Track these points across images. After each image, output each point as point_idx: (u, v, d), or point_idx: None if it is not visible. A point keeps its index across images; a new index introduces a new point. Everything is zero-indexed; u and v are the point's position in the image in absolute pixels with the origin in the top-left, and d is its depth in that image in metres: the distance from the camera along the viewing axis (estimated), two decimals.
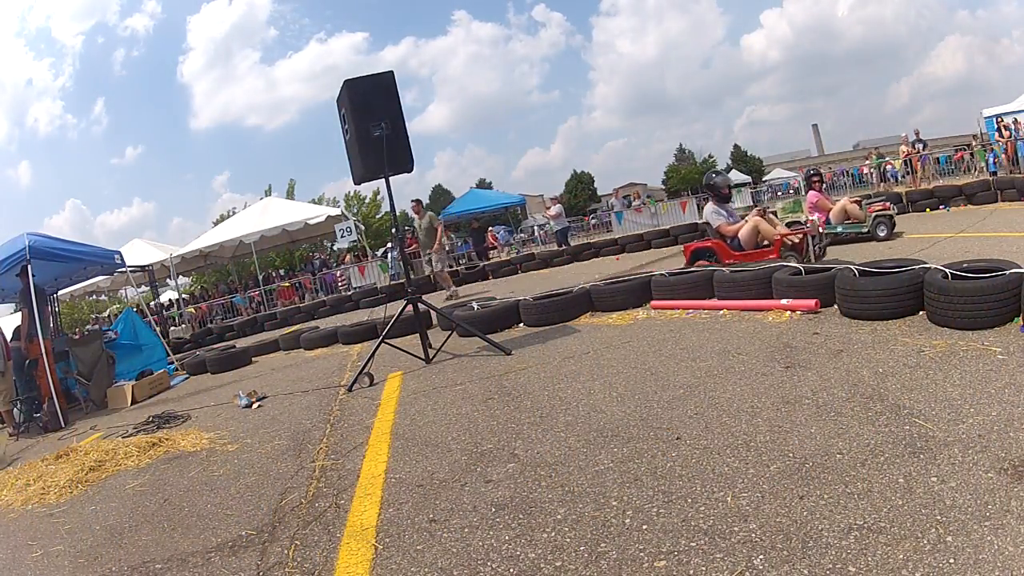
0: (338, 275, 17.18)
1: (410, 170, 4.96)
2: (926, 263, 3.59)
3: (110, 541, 2.65)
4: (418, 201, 12.02)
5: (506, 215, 25.49)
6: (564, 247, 15.00)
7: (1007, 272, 3.10)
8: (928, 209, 10.38)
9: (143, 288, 15.33)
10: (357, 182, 5.12)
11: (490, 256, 17.79)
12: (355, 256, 18.38)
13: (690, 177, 47.64)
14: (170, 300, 20.49)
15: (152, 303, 17.38)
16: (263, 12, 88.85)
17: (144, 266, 14.08)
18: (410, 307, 5.08)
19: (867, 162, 21.58)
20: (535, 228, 21.34)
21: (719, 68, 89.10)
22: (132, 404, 6.51)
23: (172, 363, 8.45)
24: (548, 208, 17.84)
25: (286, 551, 2.18)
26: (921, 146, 16.01)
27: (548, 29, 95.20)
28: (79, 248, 7.99)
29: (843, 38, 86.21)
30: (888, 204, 8.00)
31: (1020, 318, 2.97)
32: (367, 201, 33.00)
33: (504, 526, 2.03)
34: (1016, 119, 15.35)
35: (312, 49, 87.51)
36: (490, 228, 21.04)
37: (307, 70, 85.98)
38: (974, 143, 15.78)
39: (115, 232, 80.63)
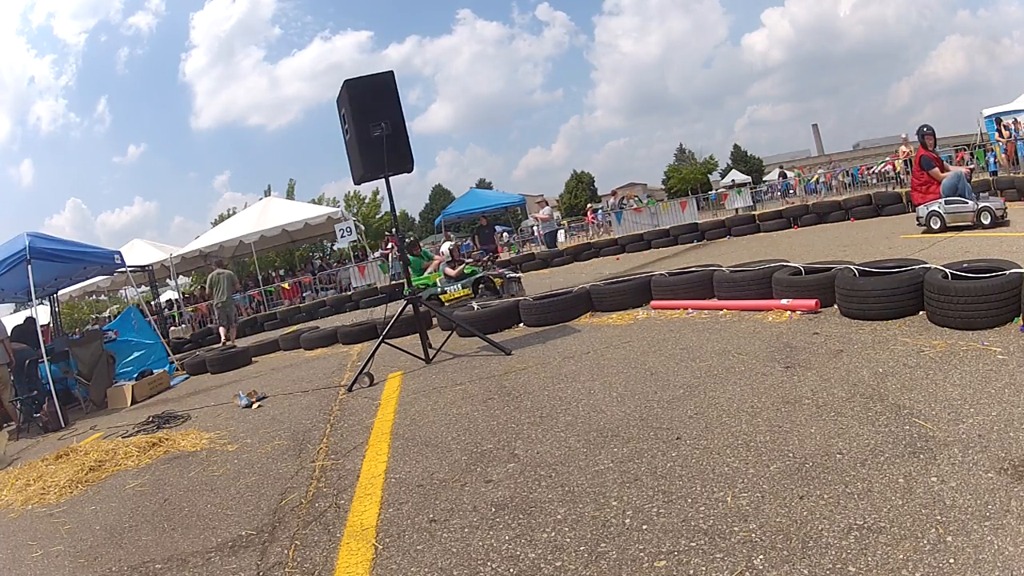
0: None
1: (410, 170, 4.97)
2: (926, 263, 3.59)
3: (110, 541, 2.65)
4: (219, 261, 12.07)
5: (506, 215, 25.52)
6: (551, 249, 15.20)
7: (1007, 272, 3.10)
8: None
9: (143, 288, 15.31)
10: (357, 182, 5.13)
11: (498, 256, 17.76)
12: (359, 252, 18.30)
13: (691, 177, 47.57)
14: (170, 300, 20.48)
15: (152, 303, 17.35)
16: (267, 10, 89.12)
17: (144, 266, 14.06)
18: (410, 307, 5.09)
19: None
20: (534, 229, 21.38)
21: (720, 68, 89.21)
22: (132, 404, 6.51)
23: (172, 363, 8.45)
24: (539, 211, 18.07)
25: (286, 551, 2.18)
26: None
27: (551, 28, 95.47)
28: (79, 248, 7.99)
29: (844, 38, 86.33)
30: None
31: (1020, 318, 2.97)
32: (367, 201, 33.03)
33: (504, 526, 2.03)
34: (1016, 119, 15.33)
35: (316, 47, 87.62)
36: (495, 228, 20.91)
37: (310, 69, 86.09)
38: (957, 154, 15.80)
39: (116, 232, 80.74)
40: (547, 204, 18.20)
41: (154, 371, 7.57)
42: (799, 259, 4.85)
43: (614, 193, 19.96)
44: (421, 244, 12.12)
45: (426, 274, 9.96)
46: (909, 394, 2.42)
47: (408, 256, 11.18)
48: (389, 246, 16.33)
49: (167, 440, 4.15)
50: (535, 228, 19.26)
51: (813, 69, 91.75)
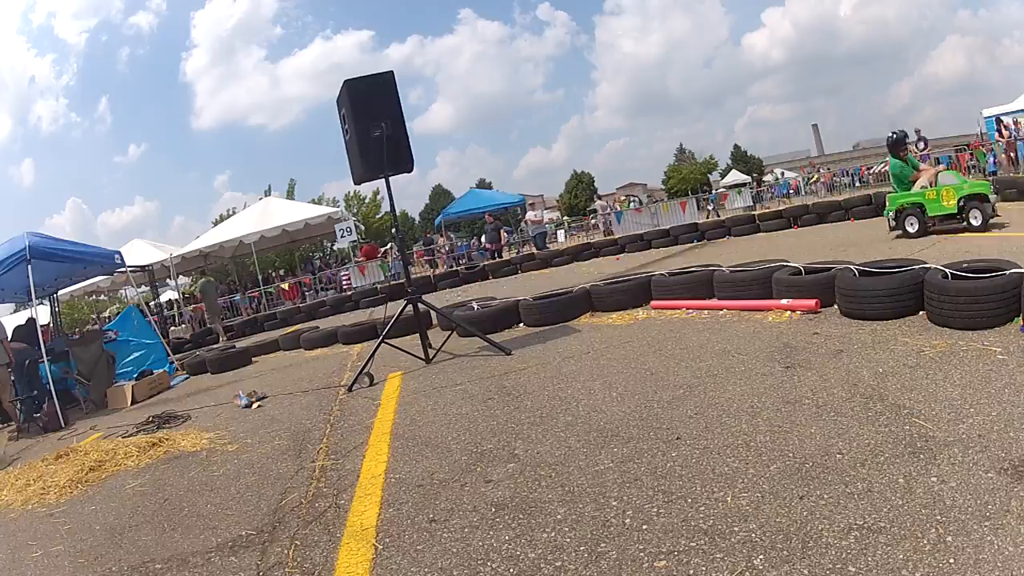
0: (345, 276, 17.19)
1: (410, 170, 4.98)
2: (926, 263, 3.59)
3: (110, 541, 2.65)
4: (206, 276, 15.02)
5: (506, 215, 25.52)
6: (539, 251, 15.32)
7: (1007, 272, 3.11)
8: None
9: (143, 288, 15.32)
10: (357, 182, 5.13)
11: (503, 255, 17.75)
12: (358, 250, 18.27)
13: (691, 177, 47.54)
14: (170, 300, 20.47)
15: (152, 303, 17.35)
16: (268, 9, 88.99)
17: (144, 266, 14.08)
18: (410, 307, 5.09)
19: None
20: (528, 230, 21.48)
21: (721, 68, 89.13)
22: (132, 404, 6.50)
23: (172, 363, 8.45)
24: (530, 213, 18.22)
25: (286, 551, 2.18)
26: (922, 145, 15.94)
27: (553, 28, 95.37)
28: (79, 248, 7.98)
29: (845, 38, 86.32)
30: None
31: (1020, 318, 2.97)
32: (367, 201, 33.02)
33: (504, 526, 2.03)
34: (1016, 119, 15.34)
35: (317, 47, 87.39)
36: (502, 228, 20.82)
37: (311, 68, 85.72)
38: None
39: (116, 232, 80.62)
40: (535, 207, 18.41)
41: (154, 371, 7.57)
42: (799, 259, 4.84)
43: (600, 196, 20.07)
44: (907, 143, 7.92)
45: (915, 188, 7.21)
46: (909, 394, 2.42)
47: (891, 159, 7.44)
48: (389, 248, 16.34)
49: (167, 440, 4.14)
50: (527, 229, 19.45)
51: (813, 69, 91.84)
